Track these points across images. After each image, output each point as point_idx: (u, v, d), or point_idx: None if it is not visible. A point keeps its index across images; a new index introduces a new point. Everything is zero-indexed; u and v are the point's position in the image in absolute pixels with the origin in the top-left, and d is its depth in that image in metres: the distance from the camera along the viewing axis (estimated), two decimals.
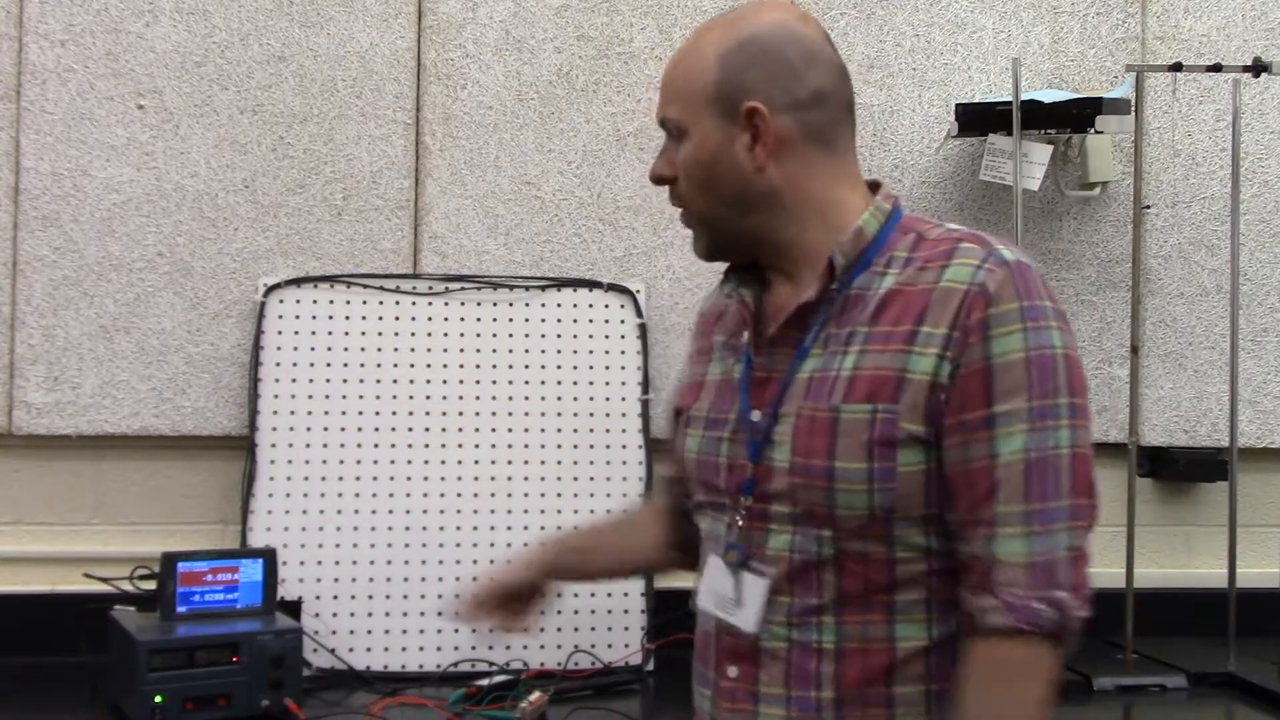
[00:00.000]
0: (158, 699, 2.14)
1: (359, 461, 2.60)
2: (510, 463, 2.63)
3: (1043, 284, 1.39)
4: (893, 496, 1.37)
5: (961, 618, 1.38)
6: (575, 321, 2.72)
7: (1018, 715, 1.34)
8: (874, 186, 1.52)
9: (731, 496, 1.48)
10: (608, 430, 2.68)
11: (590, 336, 2.72)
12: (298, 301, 2.66)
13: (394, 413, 2.62)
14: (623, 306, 2.75)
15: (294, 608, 2.50)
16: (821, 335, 1.44)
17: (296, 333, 2.64)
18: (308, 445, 2.59)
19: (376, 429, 2.61)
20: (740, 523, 1.46)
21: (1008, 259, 1.38)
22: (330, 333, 2.65)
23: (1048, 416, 1.35)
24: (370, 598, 2.55)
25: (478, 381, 2.66)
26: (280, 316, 2.64)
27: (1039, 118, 2.68)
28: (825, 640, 1.41)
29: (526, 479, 2.63)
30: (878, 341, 1.40)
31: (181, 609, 2.29)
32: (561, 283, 2.74)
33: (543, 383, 2.68)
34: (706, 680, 1.51)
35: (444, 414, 2.64)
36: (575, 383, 2.69)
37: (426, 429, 2.63)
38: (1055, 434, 1.35)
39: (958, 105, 2.79)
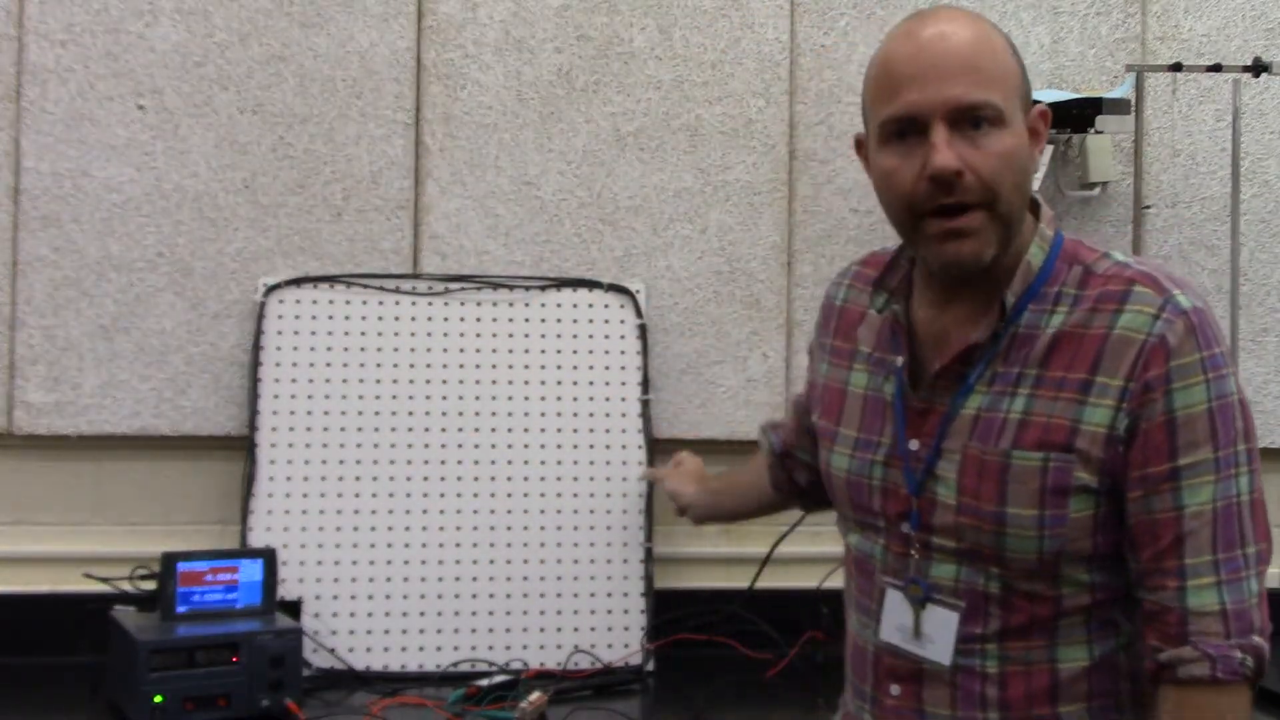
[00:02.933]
0: (158, 699, 2.14)
1: (359, 461, 2.60)
2: (510, 463, 2.63)
3: (1217, 327, 1.38)
4: (1061, 542, 1.38)
5: (1152, 664, 1.38)
6: (575, 321, 2.72)
7: None
8: (1032, 205, 1.46)
9: (889, 521, 1.48)
10: (608, 430, 2.68)
11: (590, 336, 2.72)
12: (298, 301, 2.66)
13: (394, 413, 2.62)
14: (622, 306, 2.75)
15: (294, 608, 2.50)
16: (987, 373, 1.41)
17: (296, 333, 2.64)
18: (308, 445, 2.59)
19: (376, 429, 2.61)
20: (912, 552, 1.46)
21: (1185, 307, 1.36)
22: (330, 333, 2.65)
23: (1230, 466, 1.36)
24: (370, 598, 2.55)
25: (478, 381, 2.66)
26: (280, 316, 2.64)
27: None
28: (989, 666, 1.42)
29: (526, 479, 2.63)
30: (1049, 387, 1.38)
31: (181, 609, 2.29)
32: (561, 283, 2.74)
33: (543, 383, 2.68)
34: (865, 695, 1.52)
35: (444, 414, 2.64)
36: (575, 383, 2.69)
37: (426, 429, 2.63)
38: (1237, 482, 1.36)
39: None
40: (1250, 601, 1.35)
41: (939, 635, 1.44)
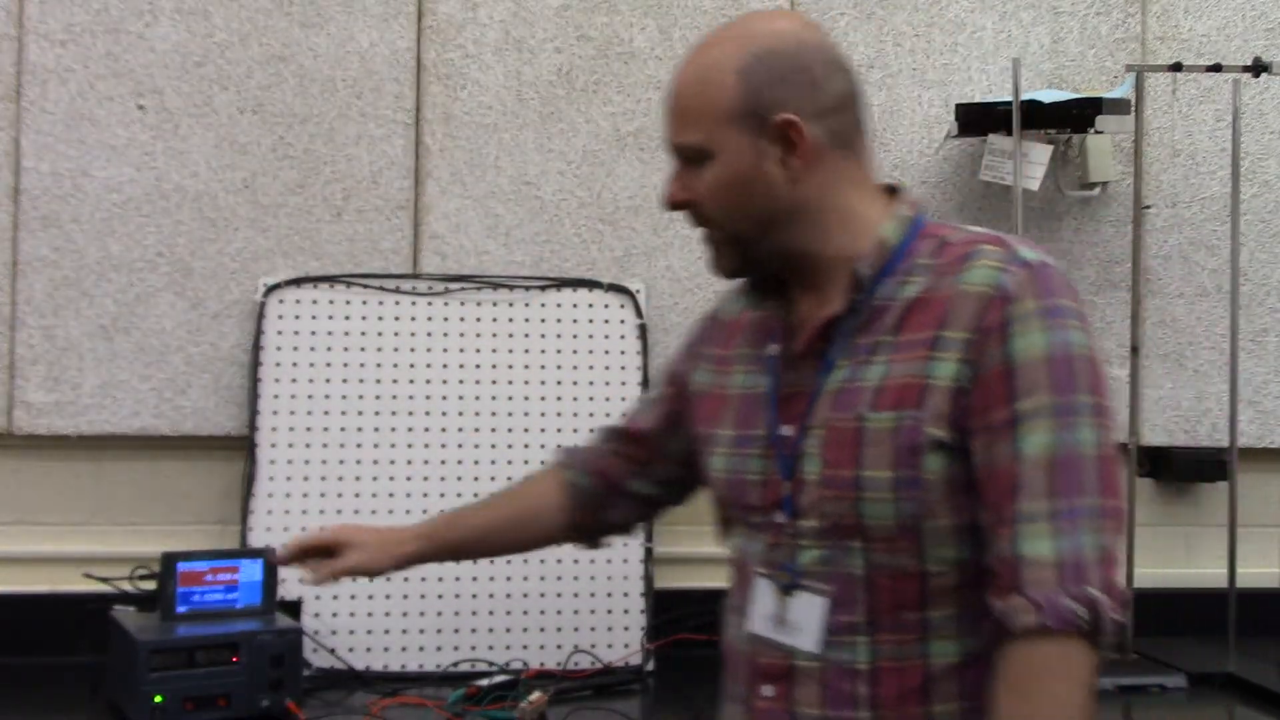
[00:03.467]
0: (158, 699, 2.14)
1: (359, 461, 2.60)
2: (510, 463, 2.63)
3: (1065, 283, 1.39)
4: (918, 504, 1.36)
5: (990, 622, 1.34)
6: (575, 321, 2.72)
7: (1053, 715, 1.30)
8: (892, 191, 1.50)
9: (766, 514, 1.47)
10: None
11: (590, 336, 2.72)
12: (298, 301, 2.66)
13: (394, 413, 2.63)
14: (622, 306, 2.75)
15: (294, 608, 2.49)
16: (847, 347, 1.43)
17: (296, 333, 2.64)
18: (308, 445, 2.59)
19: (376, 429, 2.61)
20: (784, 540, 1.45)
21: (1029, 259, 1.38)
22: (330, 333, 2.65)
23: (1070, 414, 1.33)
24: (370, 598, 2.55)
25: (478, 381, 2.66)
26: (280, 316, 2.64)
27: (1039, 118, 2.68)
28: (860, 660, 1.40)
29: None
30: (903, 350, 1.39)
31: (181, 609, 2.29)
32: (561, 283, 2.74)
33: (543, 383, 2.68)
34: (739, 697, 1.50)
35: (444, 414, 2.64)
36: (575, 383, 2.69)
37: (426, 429, 2.63)
38: (1078, 432, 1.33)
39: (958, 105, 2.79)
40: (1087, 553, 1.31)
41: (805, 623, 1.42)
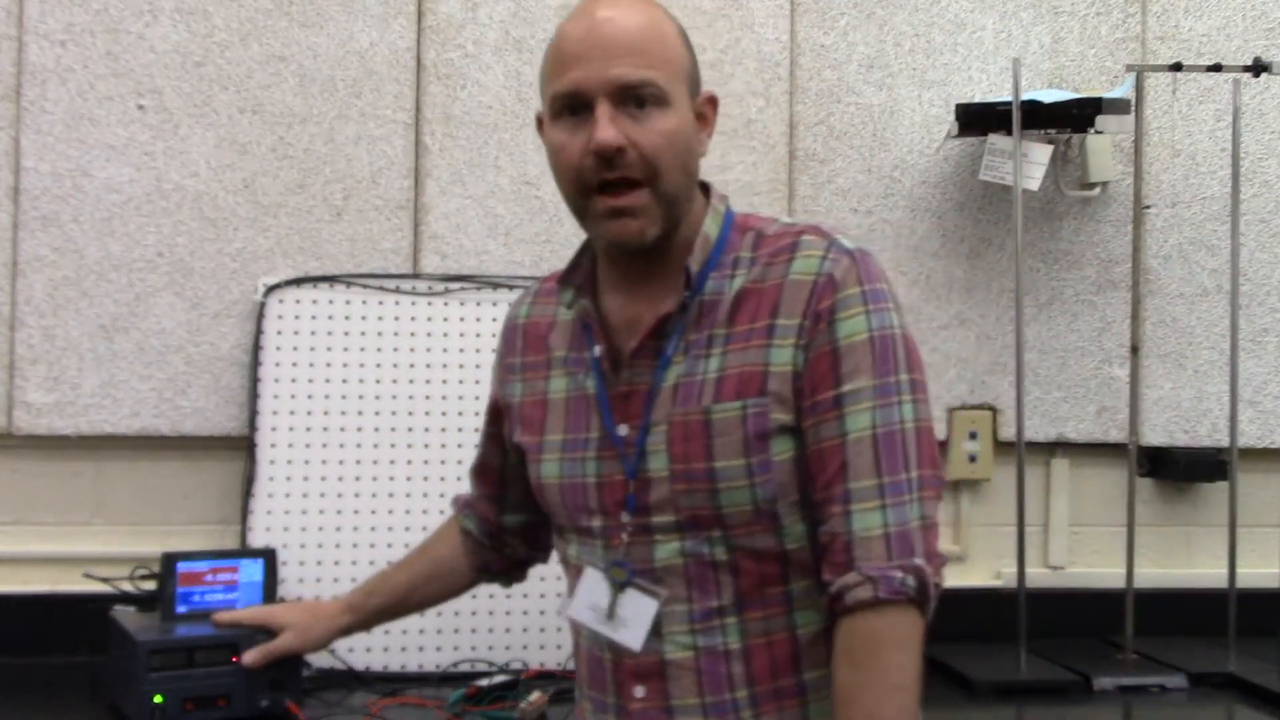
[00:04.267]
0: (158, 699, 2.14)
1: (359, 461, 2.60)
2: None
3: (880, 269, 1.45)
4: (772, 488, 1.40)
5: (826, 599, 1.39)
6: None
7: (891, 684, 1.35)
8: (703, 186, 1.52)
9: (607, 515, 1.47)
10: None
11: None
12: (298, 301, 2.66)
13: (394, 413, 2.62)
14: None
15: None
16: (681, 343, 1.44)
17: (296, 333, 2.64)
18: (308, 445, 2.59)
19: (377, 429, 2.61)
20: (625, 539, 1.45)
21: (849, 248, 1.44)
22: (330, 333, 2.65)
23: (891, 394, 1.39)
24: None
25: (478, 382, 2.66)
26: (280, 316, 2.64)
27: (1039, 118, 2.68)
28: (731, 641, 1.43)
29: None
30: (738, 341, 1.42)
31: (181, 609, 2.29)
32: None
33: None
34: (606, 706, 1.50)
35: (444, 414, 2.64)
36: None
37: (426, 429, 2.63)
38: (899, 409, 1.39)
39: (958, 105, 2.79)
40: (912, 524, 1.37)
41: (635, 620, 1.44)
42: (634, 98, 1.40)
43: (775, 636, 1.43)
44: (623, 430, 1.46)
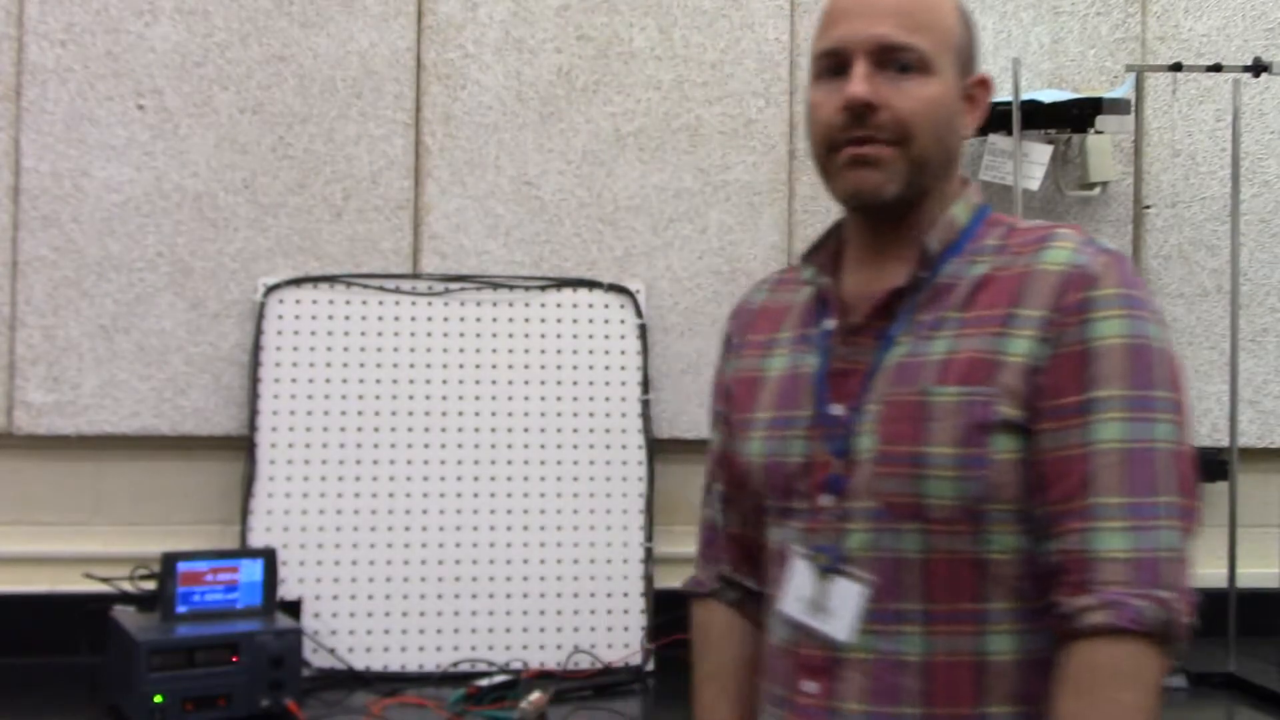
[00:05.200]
0: (158, 699, 2.14)
1: (359, 461, 2.60)
2: (510, 463, 2.63)
3: (1139, 278, 1.34)
4: (983, 485, 1.29)
5: (1054, 620, 1.27)
6: (575, 321, 2.72)
7: None
8: (963, 181, 1.46)
9: (810, 498, 1.39)
10: (608, 430, 2.68)
11: (590, 336, 2.72)
12: (298, 301, 2.66)
13: (394, 413, 2.63)
14: (622, 306, 2.75)
15: (294, 608, 2.50)
16: (909, 323, 1.36)
17: (296, 333, 2.64)
18: (308, 445, 2.59)
19: (376, 429, 2.61)
20: (824, 523, 1.37)
21: (1108, 247, 1.34)
22: (330, 333, 2.65)
23: (1146, 408, 1.28)
24: (370, 598, 2.55)
25: (478, 381, 2.66)
26: (280, 316, 2.64)
27: (1039, 118, 2.68)
28: (910, 651, 1.32)
29: (526, 479, 2.63)
30: (971, 326, 1.33)
31: (181, 609, 2.29)
32: (561, 283, 2.74)
33: (542, 383, 2.68)
34: (778, 700, 1.41)
35: (444, 414, 2.64)
36: (575, 383, 2.69)
37: (426, 429, 2.63)
38: (1154, 426, 1.27)
39: None
40: (1159, 553, 1.24)
41: (842, 609, 1.34)
42: (895, 61, 1.35)
43: (961, 658, 1.31)
44: (836, 409, 1.38)
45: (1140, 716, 1.23)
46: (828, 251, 1.47)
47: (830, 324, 1.42)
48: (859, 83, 1.34)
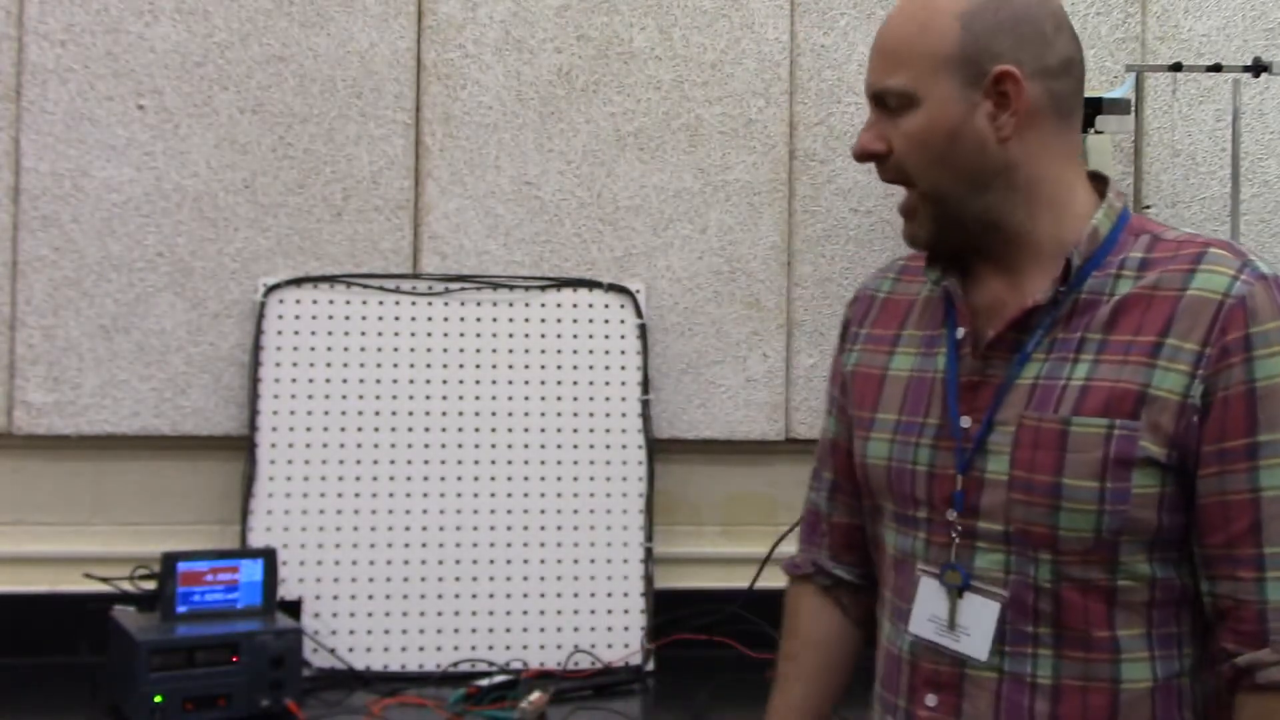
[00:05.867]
0: (158, 699, 2.14)
1: (359, 461, 2.60)
2: (510, 463, 2.63)
3: None
4: (1123, 520, 1.26)
5: (1227, 669, 1.27)
6: (575, 321, 2.72)
7: None
8: (1098, 178, 1.40)
9: (934, 509, 1.37)
10: (608, 430, 2.68)
11: (590, 336, 2.72)
12: (298, 301, 2.66)
13: (394, 413, 2.62)
14: (622, 306, 2.75)
15: (294, 608, 2.50)
16: (1046, 340, 1.32)
17: (296, 333, 2.64)
18: (308, 445, 2.59)
19: (376, 429, 2.61)
20: (954, 539, 1.35)
21: (1265, 272, 1.27)
22: (330, 333, 2.65)
23: None
24: (370, 598, 2.55)
25: (478, 381, 2.66)
26: (280, 316, 2.64)
27: None
28: (1041, 674, 1.30)
29: (526, 479, 2.63)
30: (1115, 351, 1.28)
31: (181, 609, 2.29)
32: (561, 283, 2.74)
33: (542, 383, 2.68)
34: (897, 710, 1.40)
35: (444, 414, 2.64)
36: (575, 383, 2.69)
37: (426, 429, 2.63)
38: None
39: None
40: None
41: (976, 627, 1.32)
42: (886, 106, 1.35)
43: (1094, 685, 1.29)
44: (965, 422, 1.34)
45: None
46: (955, 253, 1.42)
47: (961, 331, 1.38)
48: (861, 135, 1.37)
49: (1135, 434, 1.25)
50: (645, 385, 2.72)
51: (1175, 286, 1.28)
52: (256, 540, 2.54)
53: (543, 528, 2.61)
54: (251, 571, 2.34)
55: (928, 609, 1.36)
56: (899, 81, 1.33)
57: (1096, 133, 2.73)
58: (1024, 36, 1.31)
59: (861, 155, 1.37)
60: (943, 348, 1.40)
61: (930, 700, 1.35)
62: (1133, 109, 2.73)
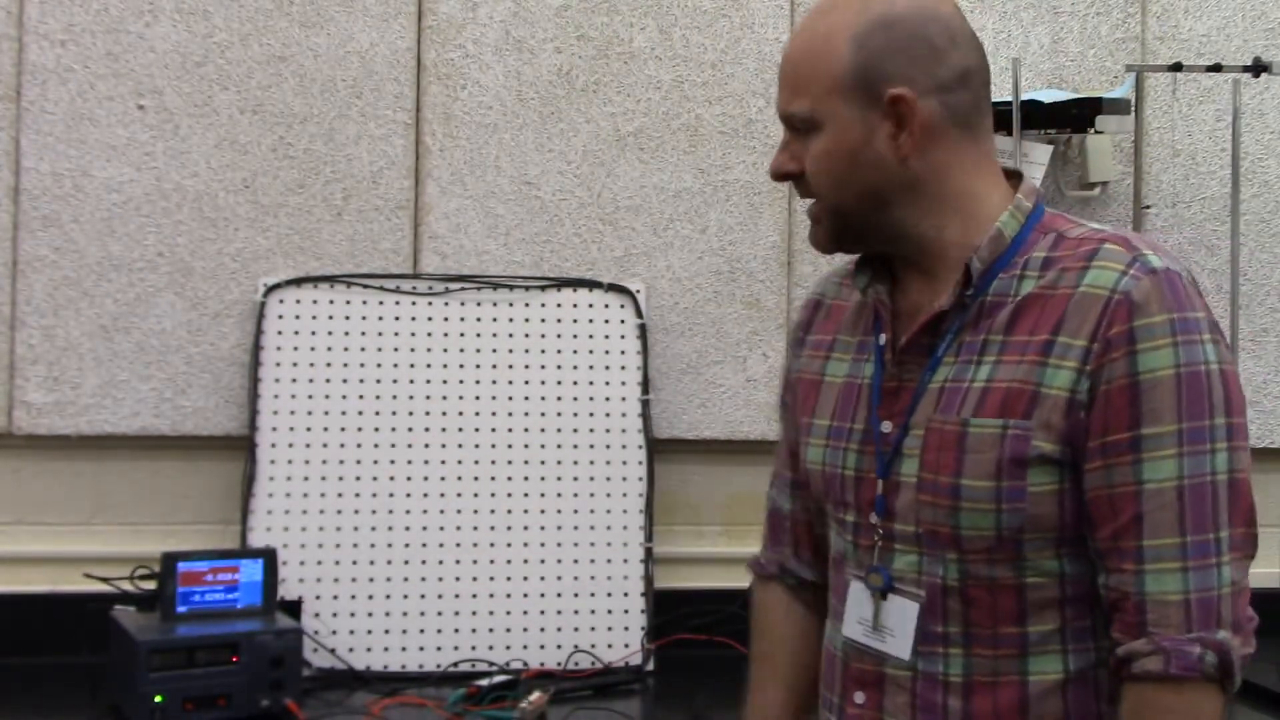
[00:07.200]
0: (158, 699, 2.14)
1: (359, 461, 2.60)
2: (510, 463, 2.63)
3: (1195, 292, 1.29)
4: (1021, 517, 1.29)
5: (1112, 659, 1.29)
6: (575, 321, 2.72)
7: None
8: (1012, 175, 1.42)
9: (860, 513, 1.40)
10: (608, 430, 2.68)
11: (590, 336, 2.72)
12: (298, 301, 2.66)
13: (394, 413, 2.63)
14: (623, 306, 2.75)
15: (294, 608, 2.50)
16: (955, 343, 1.35)
17: (296, 333, 2.64)
18: (308, 445, 2.59)
19: (376, 429, 2.61)
20: (877, 542, 1.38)
21: (1155, 266, 1.28)
22: (330, 333, 2.65)
23: (1201, 440, 1.25)
24: (370, 598, 2.55)
25: (478, 381, 2.66)
26: (280, 316, 2.64)
27: (1039, 118, 2.68)
28: (952, 672, 1.34)
29: (526, 479, 2.63)
30: (1013, 352, 1.30)
31: (181, 609, 2.29)
32: (561, 283, 2.74)
33: (543, 383, 2.68)
34: (832, 705, 1.44)
35: (444, 414, 2.64)
36: (575, 383, 2.69)
37: (426, 429, 2.63)
38: (1210, 459, 1.26)
39: None
40: (1219, 591, 1.24)
41: (899, 628, 1.36)
42: (793, 127, 1.38)
43: (1003, 679, 1.32)
44: (886, 427, 1.38)
45: None
46: (882, 256, 1.44)
47: (885, 338, 1.41)
48: (776, 155, 1.40)
49: (1028, 433, 1.28)
50: (645, 385, 2.72)
51: (1069, 285, 1.30)
52: (256, 540, 2.54)
53: (543, 528, 2.62)
54: (251, 571, 2.34)
55: (856, 611, 1.41)
56: (801, 106, 1.35)
57: (1096, 133, 2.74)
58: (915, 55, 1.33)
59: (776, 175, 1.40)
60: (871, 354, 1.43)
61: (859, 698, 1.40)
62: (1133, 109, 2.73)
